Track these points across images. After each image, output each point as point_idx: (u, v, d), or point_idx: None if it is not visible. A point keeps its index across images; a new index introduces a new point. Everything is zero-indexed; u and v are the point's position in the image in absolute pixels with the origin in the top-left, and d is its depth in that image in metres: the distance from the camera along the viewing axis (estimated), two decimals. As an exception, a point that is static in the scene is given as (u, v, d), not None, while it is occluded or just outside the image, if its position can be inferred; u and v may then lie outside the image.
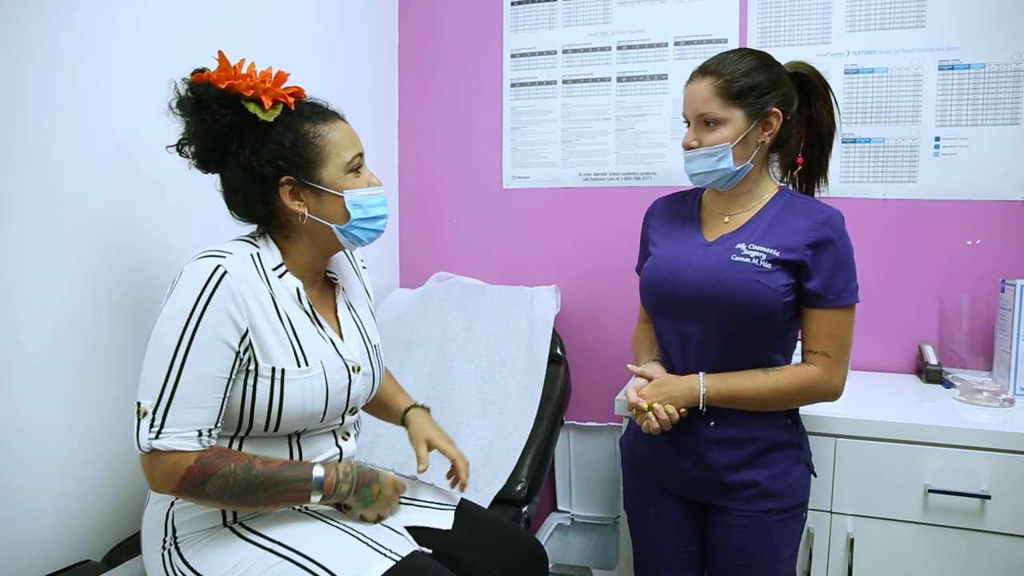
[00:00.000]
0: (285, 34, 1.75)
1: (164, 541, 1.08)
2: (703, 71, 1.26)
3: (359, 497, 1.12)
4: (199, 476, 0.99)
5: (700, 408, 1.25)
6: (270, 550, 1.03)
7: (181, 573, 1.05)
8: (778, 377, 1.23)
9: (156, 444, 0.98)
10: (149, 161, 1.33)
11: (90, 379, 1.25)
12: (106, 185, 1.27)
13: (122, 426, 1.28)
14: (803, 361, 1.25)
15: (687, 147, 1.27)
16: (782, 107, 1.25)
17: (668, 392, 1.26)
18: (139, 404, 1.00)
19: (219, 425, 1.04)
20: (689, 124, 1.28)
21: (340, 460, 1.18)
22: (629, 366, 1.37)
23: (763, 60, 1.26)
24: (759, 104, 1.23)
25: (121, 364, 1.28)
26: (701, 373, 1.26)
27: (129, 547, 1.26)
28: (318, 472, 1.08)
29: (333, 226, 1.13)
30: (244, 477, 1.02)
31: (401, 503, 1.26)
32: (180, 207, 1.41)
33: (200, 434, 1.01)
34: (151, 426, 0.99)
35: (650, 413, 1.24)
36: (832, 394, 1.25)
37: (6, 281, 1.11)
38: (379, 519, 1.16)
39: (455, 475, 1.32)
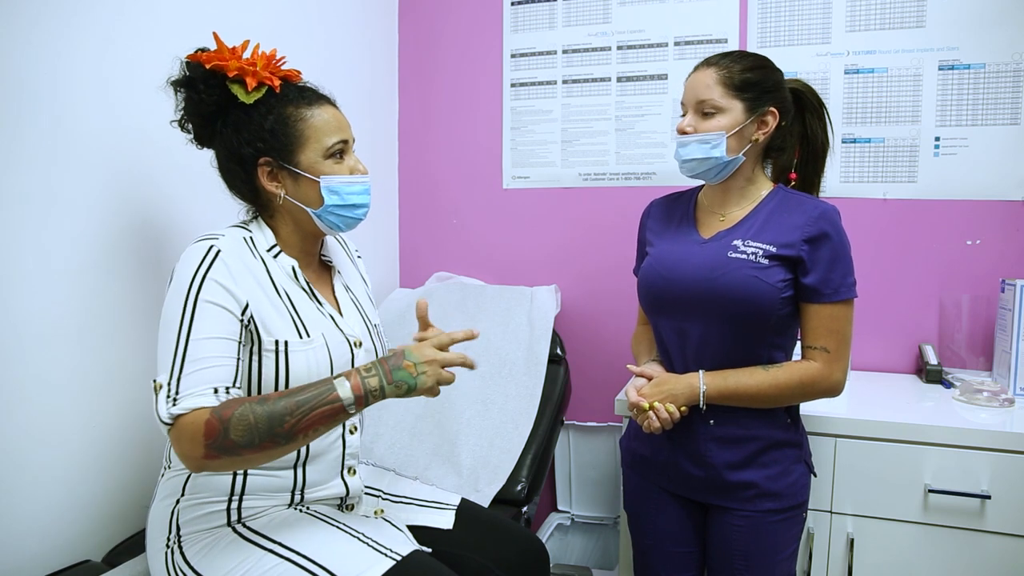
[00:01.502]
0: (285, 34, 1.75)
1: (168, 540, 1.08)
2: (707, 63, 1.28)
3: (396, 384, 1.02)
4: (219, 426, 0.94)
5: (700, 406, 1.25)
6: (271, 551, 1.03)
7: (182, 572, 1.05)
8: (778, 373, 1.23)
9: (175, 410, 0.97)
10: (157, 153, 1.34)
11: (91, 379, 1.25)
12: (111, 178, 1.27)
13: (123, 425, 1.28)
14: (803, 357, 1.26)
15: (681, 132, 1.28)
16: (779, 108, 1.27)
17: (668, 391, 1.26)
18: (155, 381, 1.00)
19: (237, 385, 1.02)
20: (685, 114, 1.29)
21: (344, 457, 1.18)
22: (629, 366, 1.37)
23: (766, 62, 1.29)
24: (759, 100, 1.25)
25: (123, 363, 1.28)
26: (701, 371, 1.26)
27: (130, 547, 1.26)
28: (339, 378, 1.01)
29: (309, 210, 1.14)
30: (263, 410, 0.96)
31: (402, 502, 1.26)
32: (188, 200, 1.41)
33: (216, 391, 0.99)
34: (168, 396, 0.98)
35: (651, 412, 1.24)
36: (833, 390, 1.24)
37: (7, 279, 1.11)
38: (436, 388, 1.05)
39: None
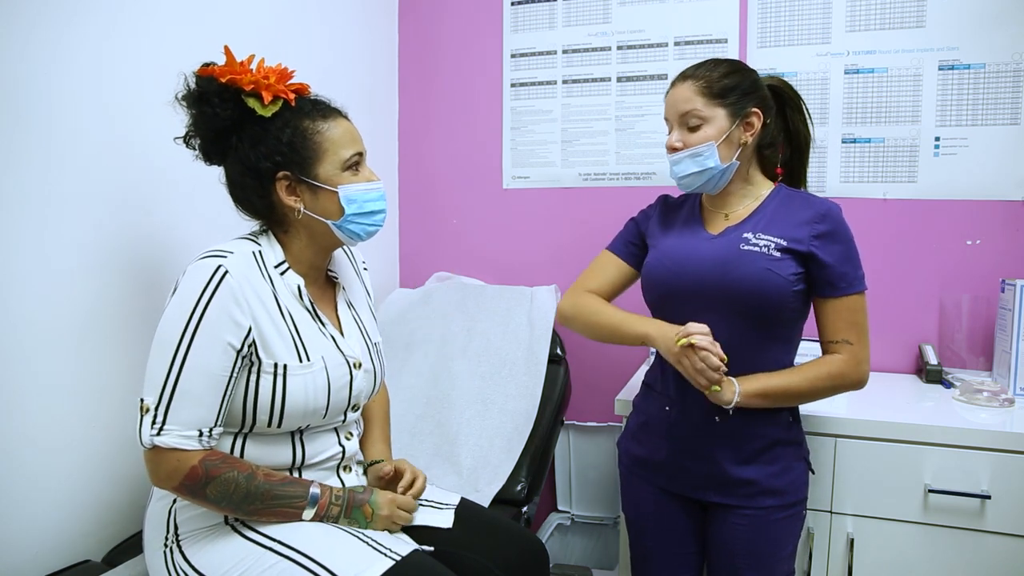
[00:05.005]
0: (285, 34, 1.75)
1: (166, 539, 1.08)
2: (683, 76, 1.29)
3: (351, 519, 1.12)
4: (202, 477, 1.01)
5: (730, 410, 1.22)
6: (271, 549, 1.04)
7: (182, 571, 1.05)
8: (807, 370, 1.24)
9: (158, 441, 1.00)
10: (154, 158, 1.34)
11: (90, 379, 1.25)
12: (109, 183, 1.27)
13: (122, 427, 1.28)
14: (825, 353, 1.26)
15: (672, 149, 1.28)
16: (761, 108, 1.27)
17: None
18: (142, 401, 1.02)
19: (220, 425, 1.04)
20: (671, 130, 1.30)
21: (342, 460, 1.19)
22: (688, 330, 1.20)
23: (739, 66, 1.30)
24: (740, 104, 1.25)
25: (122, 364, 1.28)
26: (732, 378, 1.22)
27: (129, 547, 1.26)
28: (315, 490, 1.09)
29: (329, 222, 1.14)
30: (245, 486, 1.03)
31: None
32: (186, 206, 1.41)
33: (201, 434, 1.02)
34: (153, 423, 1.00)
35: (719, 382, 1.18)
36: (860, 382, 1.25)
37: (7, 281, 1.11)
38: (390, 530, 1.15)
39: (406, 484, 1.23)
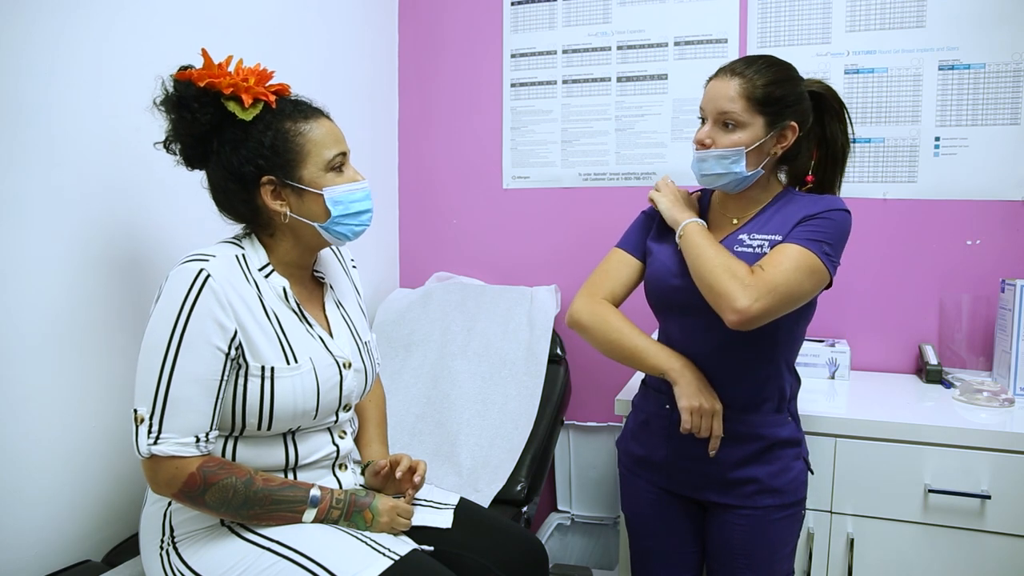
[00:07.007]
0: (285, 34, 1.75)
1: (162, 541, 1.08)
2: (731, 71, 1.23)
3: (351, 523, 1.11)
4: (200, 484, 1.01)
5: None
6: (269, 549, 1.04)
7: (180, 573, 1.05)
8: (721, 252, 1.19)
9: (155, 450, 1.00)
10: (151, 160, 1.33)
11: (90, 379, 1.25)
12: (107, 185, 1.27)
13: (122, 426, 1.28)
14: None
15: (700, 144, 1.24)
16: (799, 122, 1.24)
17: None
18: (136, 411, 1.02)
19: (214, 429, 1.04)
20: (704, 121, 1.26)
21: (336, 459, 1.19)
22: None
23: (789, 72, 1.25)
24: (781, 115, 1.22)
25: (121, 364, 1.28)
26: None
27: (129, 547, 1.26)
28: (315, 492, 1.09)
29: (316, 224, 1.13)
30: (244, 491, 1.03)
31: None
32: (181, 207, 1.41)
33: (198, 440, 1.02)
34: (149, 432, 1.00)
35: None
36: (736, 301, 1.12)
37: (7, 281, 1.11)
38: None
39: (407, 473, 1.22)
